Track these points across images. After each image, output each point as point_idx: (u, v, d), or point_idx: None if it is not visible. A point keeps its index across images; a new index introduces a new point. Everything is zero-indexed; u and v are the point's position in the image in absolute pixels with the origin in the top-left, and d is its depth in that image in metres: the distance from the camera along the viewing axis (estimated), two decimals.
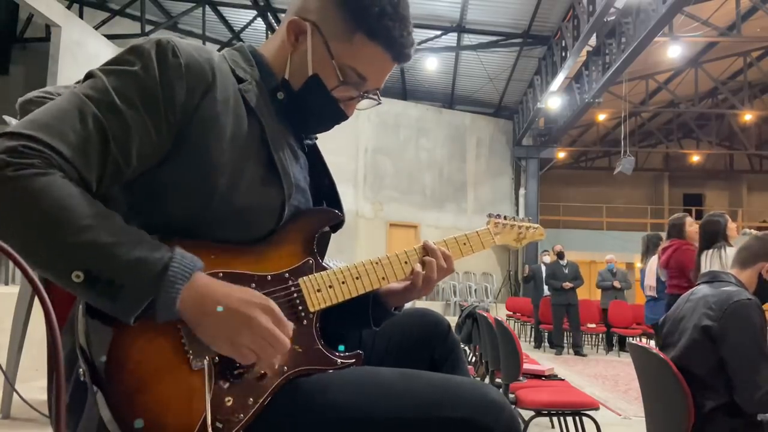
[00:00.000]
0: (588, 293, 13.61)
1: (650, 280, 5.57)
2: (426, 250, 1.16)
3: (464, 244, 1.22)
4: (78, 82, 0.94)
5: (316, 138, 1.20)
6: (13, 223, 0.79)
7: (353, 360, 1.04)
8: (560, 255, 9.02)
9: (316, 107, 1.08)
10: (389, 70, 1.09)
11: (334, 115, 1.10)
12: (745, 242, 2.13)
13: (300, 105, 1.08)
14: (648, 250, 5.81)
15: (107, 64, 0.93)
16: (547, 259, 9.60)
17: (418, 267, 1.14)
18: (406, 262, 1.14)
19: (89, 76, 0.92)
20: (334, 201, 1.18)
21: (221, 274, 0.93)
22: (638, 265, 6.51)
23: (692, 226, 4.83)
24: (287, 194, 1.01)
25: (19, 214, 0.79)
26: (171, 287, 0.83)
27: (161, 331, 0.88)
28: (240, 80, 1.02)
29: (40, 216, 0.79)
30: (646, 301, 5.66)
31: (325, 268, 1.06)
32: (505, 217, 1.33)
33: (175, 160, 0.93)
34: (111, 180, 0.89)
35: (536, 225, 1.38)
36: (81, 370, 0.86)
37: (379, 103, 1.12)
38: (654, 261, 5.62)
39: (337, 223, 1.12)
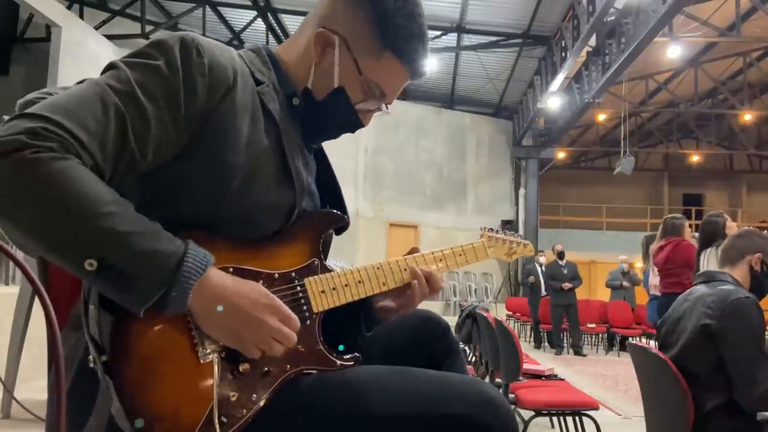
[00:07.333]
0: (588, 293, 13.62)
1: (655, 279, 5.56)
2: (413, 274, 1.16)
3: (460, 255, 1.26)
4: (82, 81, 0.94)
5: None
6: (29, 206, 0.78)
7: (352, 363, 1.05)
8: (560, 255, 9.02)
9: (338, 118, 1.10)
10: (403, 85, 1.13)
11: (353, 126, 1.12)
12: (728, 242, 2.15)
13: (321, 115, 1.09)
14: (648, 251, 5.79)
15: (130, 56, 0.93)
16: (543, 260, 9.59)
17: (416, 283, 1.14)
18: (405, 269, 1.16)
19: (111, 67, 0.92)
20: (339, 204, 1.18)
21: (231, 269, 0.95)
22: (638, 265, 6.49)
23: (689, 230, 4.81)
24: (299, 198, 1.02)
25: (36, 198, 0.78)
26: (186, 282, 0.84)
27: (172, 324, 0.89)
28: (258, 82, 1.02)
29: (57, 200, 0.78)
30: (649, 300, 5.63)
31: (329, 270, 1.07)
32: (497, 231, 1.36)
33: (190, 158, 0.93)
34: (125, 171, 0.89)
35: (527, 242, 1.41)
36: (90, 357, 0.87)
37: (388, 113, 1.14)
38: None
39: (342, 226, 1.13)
